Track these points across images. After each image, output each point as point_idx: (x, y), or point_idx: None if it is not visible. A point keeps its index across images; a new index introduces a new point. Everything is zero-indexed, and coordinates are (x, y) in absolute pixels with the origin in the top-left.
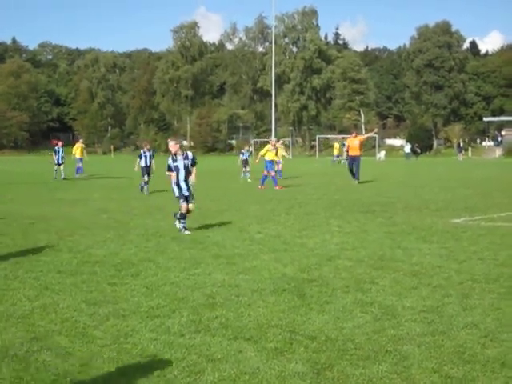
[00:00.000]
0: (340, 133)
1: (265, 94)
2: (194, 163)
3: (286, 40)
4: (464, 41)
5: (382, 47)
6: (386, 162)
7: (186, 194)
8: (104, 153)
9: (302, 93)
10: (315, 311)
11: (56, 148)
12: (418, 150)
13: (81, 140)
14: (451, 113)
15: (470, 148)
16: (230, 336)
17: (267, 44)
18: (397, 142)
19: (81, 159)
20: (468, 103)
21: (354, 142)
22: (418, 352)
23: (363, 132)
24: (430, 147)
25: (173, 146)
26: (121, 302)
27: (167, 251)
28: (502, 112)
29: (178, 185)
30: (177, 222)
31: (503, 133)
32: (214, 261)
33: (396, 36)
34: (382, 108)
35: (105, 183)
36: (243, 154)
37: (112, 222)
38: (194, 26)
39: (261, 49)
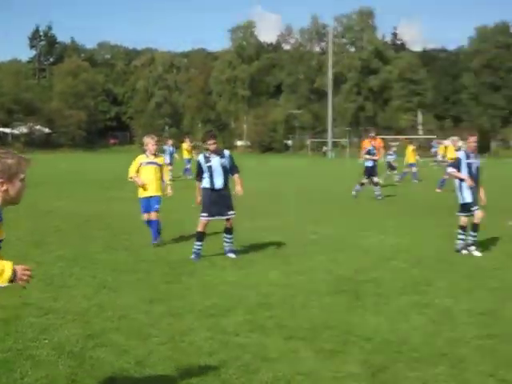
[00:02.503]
0: (397, 134)
1: (321, 94)
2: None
3: (344, 40)
4: None
5: (440, 48)
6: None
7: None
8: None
9: (358, 93)
10: (370, 312)
11: (165, 147)
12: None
13: (187, 140)
14: (510, 114)
15: None
16: (284, 336)
17: (323, 44)
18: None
19: (189, 160)
20: None
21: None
22: (473, 355)
23: (421, 133)
24: (488, 148)
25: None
26: (176, 301)
27: (222, 250)
28: None
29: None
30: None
31: None
32: (270, 261)
33: (454, 37)
34: (439, 109)
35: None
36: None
37: (164, 221)
38: (250, 25)
39: (317, 49)
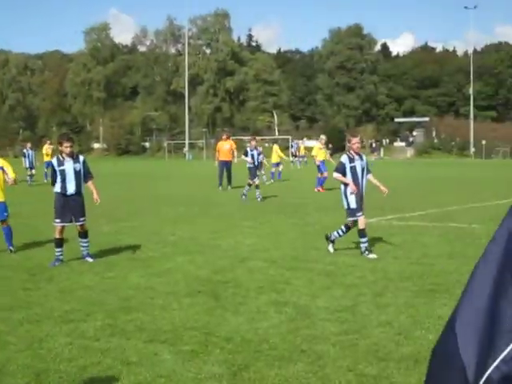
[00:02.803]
0: (254, 134)
1: (178, 96)
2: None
3: (200, 42)
4: (375, 43)
5: (294, 49)
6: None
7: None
8: (15, 156)
9: (215, 95)
10: (230, 312)
11: (24, 151)
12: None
13: (47, 143)
14: (363, 114)
15: (381, 148)
16: (145, 339)
17: (180, 45)
18: (310, 143)
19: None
20: (380, 104)
21: (224, 146)
22: (332, 351)
23: (277, 134)
24: (343, 148)
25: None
26: (35, 307)
27: (80, 255)
28: (412, 113)
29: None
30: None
31: (414, 133)
32: (129, 264)
33: (308, 39)
34: (295, 110)
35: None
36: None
37: (23, 227)
38: (105, 27)
39: (173, 50)
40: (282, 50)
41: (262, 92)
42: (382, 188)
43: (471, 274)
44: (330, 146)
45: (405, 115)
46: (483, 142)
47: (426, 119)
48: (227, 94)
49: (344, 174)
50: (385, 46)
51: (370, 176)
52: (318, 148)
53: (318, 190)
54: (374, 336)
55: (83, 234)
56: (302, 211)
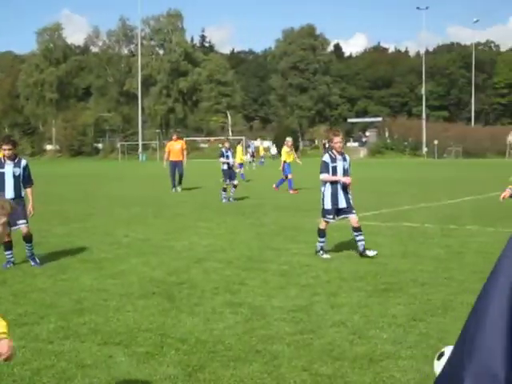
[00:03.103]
0: (207, 135)
1: (131, 97)
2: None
3: (152, 42)
4: (328, 44)
5: (247, 50)
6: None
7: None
8: None
9: (168, 95)
10: (185, 314)
11: None
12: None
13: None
14: (316, 114)
15: None
16: (99, 341)
17: (132, 46)
18: (264, 143)
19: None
20: (333, 105)
21: (175, 146)
22: (287, 351)
23: (230, 134)
24: (296, 148)
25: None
26: None
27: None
28: (365, 113)
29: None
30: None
31: (367, 134)
32: (81, 266)
33: (262, 39)
34: (248, 110)
35: None
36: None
37: None
38: (58, 27)
39: (126, 51)
40: (235, 50)
41: (215, 93)
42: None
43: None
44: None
45: (358, 115)
46: (435, 142)
47: (379, 119)
48: (180, 95)
49: (328, 173)
50: (338, 47)
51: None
52: (285, 151)
53: (289, 191)
54: (329, 336)
55: (26, 238)
56: (258, 212)
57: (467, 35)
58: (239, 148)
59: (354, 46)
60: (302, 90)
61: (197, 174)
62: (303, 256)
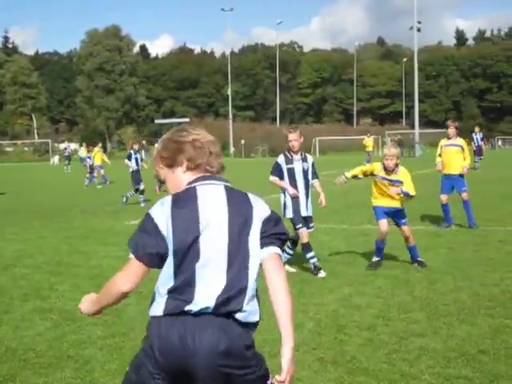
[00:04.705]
0: (12, 138)
1: None
2: None
3: None
4: (134, 45)
5: (52, 51)
6: (60, 167)
7: None
8: None
9: None
10: None
11: None
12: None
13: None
14: (124, 116)
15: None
16: None
17: None
18: (71, 146)
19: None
20: (140, 106)
21: None
22: (100, 355)
23: (36, 137)
24: (104, 150)
25: None
26: None
27: None
28: (172, 114)
29: None
30: None
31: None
32: None
33: (67, 40)
34: (54, 112)
35: None
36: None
37: None
38: None
39: None
40: (39, 51)
41: (19, 95)
42: (321, 199)
43: None
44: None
45: (165, 116)
46: (242, 142)
47: (187, 120)
48: None
49: (281, 178)
50: (144, 48)
51: (315, 182)
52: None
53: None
54: (141, 338)
55: None
56: (66, 215)
57: (271, 36)
58: (96, 149)
59: (160, 46)
60: (108, 92)
61: (1, 178)
62: (113, 259)
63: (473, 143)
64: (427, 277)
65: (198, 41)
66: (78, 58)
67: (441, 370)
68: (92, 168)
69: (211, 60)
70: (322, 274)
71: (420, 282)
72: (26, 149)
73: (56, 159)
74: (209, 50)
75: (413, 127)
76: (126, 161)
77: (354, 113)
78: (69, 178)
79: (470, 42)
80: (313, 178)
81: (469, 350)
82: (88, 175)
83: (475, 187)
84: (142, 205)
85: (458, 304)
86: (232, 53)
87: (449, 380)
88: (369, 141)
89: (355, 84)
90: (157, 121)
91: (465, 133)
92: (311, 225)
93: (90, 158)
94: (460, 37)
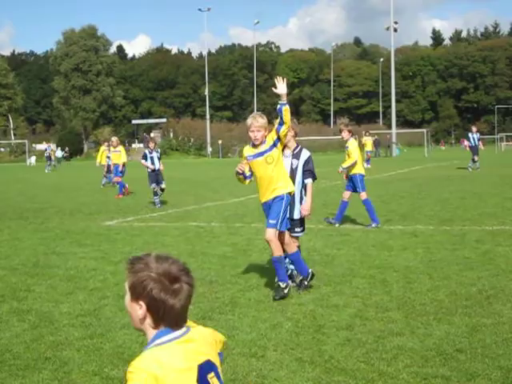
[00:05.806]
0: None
1: None
2: None
3: None
4: (111, 45)
5: (29, 52)
6: (37, 168)
7: None
8: None
9: None
10: None
11: None
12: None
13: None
14: (101, 116)
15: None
16: None
17: None
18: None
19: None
20: (117, 106)
21: None
22: (77, 356)
23: (13, 138)
24: (81, 151)
25: None
26: None
27: None
28: (150, 114)
29: None
30: None
31: (152, 135)
32: None
33: (44, 40)
34: (31, 113)
35: None
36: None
37: None
38: None
39: None
40: (16, 52)
41: None
42: (303, 205)
43: None
44: (67, 149)
45: (142, 117)
46: (220, 142)
47: (164, 120)
48: None
49: None
50: (121, 48)
51: (308, 181)
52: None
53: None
54: (119, 338)
55: None
56: (41, 216)
57: (249, 36)
58: (103, 148)
59: (137, 47)
60: (85, 92)
61: None
62: (90, 260)
63: (468, 143)
64: (404, 276)
65: (175, 41)
66: (54, 58)
67: (418, 369)
68: (109, 168)
69: (188, 60)
70: (293, 284)
71: (397, 281)
72: (2, 149)
73: (33, 160)
74: (186, 51)
75: (390, 127)
76: (143, 161)
77: (331, 113)
78: (49, 178)
79: (447, 42)
80: (305, 177)
81: (446, 349)
82: (106, 174)
83: (453, 188)
84: (158, 206)
85: (435, 303)
86: (209, 53)
87: (426, 379)
88: (368, 140)
89: (332, 84)
90: (134, 121)
91: (441, 132)
92: (297, 229)
93: (108, 157)
94: (436, 37)
